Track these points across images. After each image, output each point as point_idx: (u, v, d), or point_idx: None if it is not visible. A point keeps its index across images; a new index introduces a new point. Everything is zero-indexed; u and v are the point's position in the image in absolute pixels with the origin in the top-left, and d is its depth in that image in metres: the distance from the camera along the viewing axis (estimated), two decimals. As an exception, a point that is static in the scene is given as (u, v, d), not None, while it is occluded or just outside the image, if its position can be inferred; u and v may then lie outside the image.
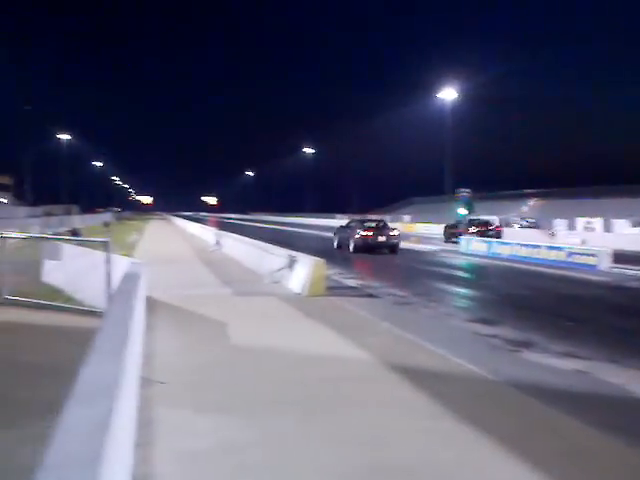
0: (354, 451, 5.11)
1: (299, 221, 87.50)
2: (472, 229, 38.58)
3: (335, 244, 32.31)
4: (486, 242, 29.12)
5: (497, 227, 41.09)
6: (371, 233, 29.46)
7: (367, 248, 28.91)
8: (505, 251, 27.16)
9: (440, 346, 9.03)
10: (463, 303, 15.06)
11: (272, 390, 6.82)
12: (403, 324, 10.76)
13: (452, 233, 39.85)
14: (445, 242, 39.21)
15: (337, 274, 18.95)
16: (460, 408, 6.20)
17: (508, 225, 50.81)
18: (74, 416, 2.88)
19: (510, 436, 5.48)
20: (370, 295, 15.12)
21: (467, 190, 46.80)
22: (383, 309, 12.86)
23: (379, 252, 29.13)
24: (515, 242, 27.42)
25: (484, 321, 11.84)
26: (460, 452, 5.17)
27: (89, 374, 3.60)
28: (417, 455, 5.09)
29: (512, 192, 73.43)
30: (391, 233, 30.05)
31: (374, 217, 43.19)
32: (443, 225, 45.81)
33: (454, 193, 51.42)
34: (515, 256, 26.08)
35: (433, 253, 30.52)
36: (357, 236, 29.33)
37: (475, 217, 42.55)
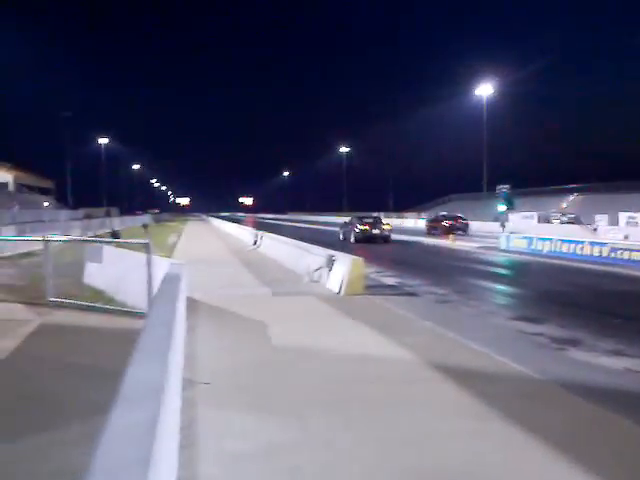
0: (398, 453, 5.03)
1: (333, 220, 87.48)
2: (445, 223, 45.88)
3: (341, 237, 38.50)
4: (526, 238, 28.62)
5: (465, 222, 47.79)
6: (367, 227, 35.99)
7: (365, 239, 34.91)
8: (545, 247, 26.67)
9: (483, 345, 8.88)
10: (505, 301, 14.82)
11: (314, 390, 6.77)
12: (444, 322, 10.62)
13: (431, 227, 47.61)
14: (427, 235, 44.49)
15: (375, 272, 18.86)
16: (506, 408, 6.07)
17: (548, 221, 49.95)
18: (121, 418, 2.86)
19: (559, 437, 5.34)
20: (410, 294, 14.98)
21: (506, 186, 46.28)
22: (423, 307, 12.72)
23: (376, 242, 34.74)
24: (556, 238, 26.87)
25: (528, 319, 11.62)
26: (507, 454, 5.05)
27: (134, 376, 3.59)
28: (463, 458, 4.98)
29: (552, 187, 72.19)
30: (384, 227, 36.76)
31: (373, 214, 51.70)
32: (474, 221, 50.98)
33: (494, 190, 50.97)
34: (556, 252, 25.57)
35: (471, 251, 30.13)
36: (357, 230, 35.83)
37: (447, 213, 51.40)
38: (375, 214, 53.83)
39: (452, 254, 28.58)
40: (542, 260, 24.50)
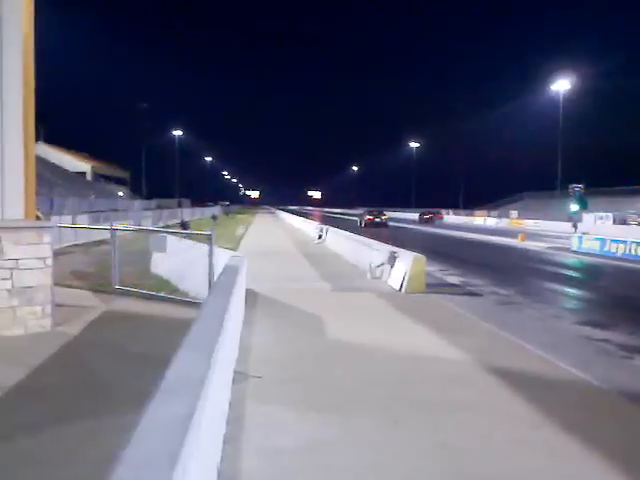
0: (443, 457, 4.91)
1: (398, 215, 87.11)
2: (426, 216, 70.27)
3: (358, 223, 54.39)
4: (599, 240, 27.61)
5: (440, 215, 64.33)
6: (372, 217, 53.70)
7: (371, 225, 51.55)
8: (620, 250, 25.65)
9: (544, 349, 8.60)
10: (572, 304, 14.35)
11: (363, 388, 6.71)
12: (505, 325, 10.35)
13: (424, 219, 69.19)
14: (419, 223, 62.04)
15: (439, 271, 18.60)
16: (563, 417, 5.85)
17: (624, 222, 48.03)
18: (156, 411, 2.88)
19: (617, 450, 5.09)
20: (472, 293, 14.69)
21: (580, 185, 44.88)
22: (485, 308, 12.44)
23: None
24: (631, 240, 25.80)
25: (595, 324, 11.19)
26: (560, 465, 4.85)
27: (177, 369, 3.62)
28: (512, 467, 4.81)
29: (630, 187, 69.33)
30: (383, 217, 54.36)
31: (377, 209, 65.13)
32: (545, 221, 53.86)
33: (567, 188, 49.48)
34: (630, 255, 24.56)
35: (540, 251, 29.32)
36: (365, 218, 53.60)
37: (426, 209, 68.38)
38: (377, 208, 68.12)
39: (520, 254, 27.89)
40: (615, 263, 23.57)
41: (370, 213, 55.08)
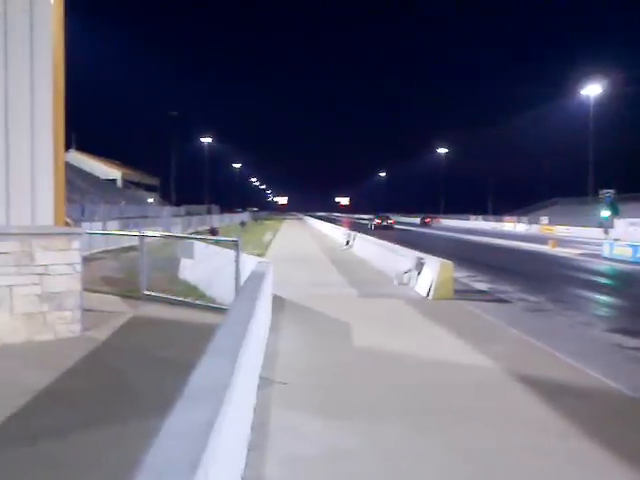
0: (467, 467, 4.85)
1: (412, 220, 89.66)
2: (426, 220, 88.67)
3: (369, 226, 63.60)
4: (632, 246, 27.12)
5: (437, 219, 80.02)
6: (380, 220, 65.09)
7: (379, 227, 61.70)
8: (653, 256, 25.19)
9: (574, 357, 8.46)
10: (604, 312, 14.09)
11: (388, 396, 6.66)
12: (534, 332, 10.21)
13: (424, 222, 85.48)
14: (420, 226, 75.27)
15: (466, 277, 18.42)
16: (593, 427, 5.74)
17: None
18: (179, 418, 2.88)
19: (648, 462, 4.98)
20: (501, 300, 14.53)
21: (611, 191, 44.18)
22: (513, 315, 12.28)
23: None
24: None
25: (627, 332, 10.97)
26: (588, 477, 4.76)
27: (201, 374, 3.62)
28: (538, 476, 4.74)
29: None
30: (389, 221, 65.89)
31: (385, 214, 75.07)
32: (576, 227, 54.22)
33: (598, 194, 48.79)
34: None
35: (571, 257, 28.91)
36: (375, 222, 64.81)
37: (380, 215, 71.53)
38: (384, 214, 75.20)
39: (551, 260, 27.53)
40: (648, 270, 23.15)
41: (378, 217, 67.54)
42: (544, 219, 68.94)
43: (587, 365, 8.04)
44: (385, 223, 64.23)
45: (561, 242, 37.51)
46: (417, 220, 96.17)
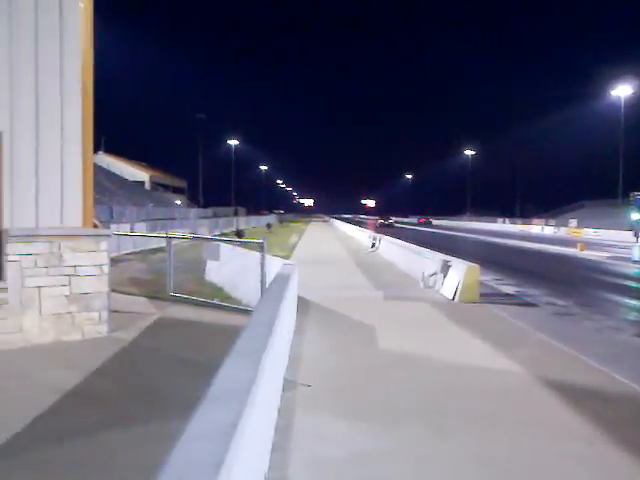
0: (491, 472, 4.81)
1: (451, 224, 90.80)
2: (421, 220, 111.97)
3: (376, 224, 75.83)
4: (663, 250, 26.63)
5: (430, 219, 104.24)
6: (383, 220, 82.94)
7: (381, 226, 74.68)
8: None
9: (602, 362, 8.33)
10: (633, 316, 13.86)
11: (413, 399, 6.63)
12: (561, 336, 10.08)
13: (419, 222, 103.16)
14: (417, 225, 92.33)
15: (493, 282, 18.26)
16: (620, 433, 5.65)
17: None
18: (203, 417, 2.90)
19: (678, 469, 4.89)
20: (528, 304, 14.38)
21: (642, 193, 43.47)
22: (540, 319, 12.15)
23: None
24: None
25: (655, 337, 10.80)
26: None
27: (224, 376, 3.65)
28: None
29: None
30: (390, 221, 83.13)
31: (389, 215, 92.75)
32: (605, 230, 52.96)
33: (628, 196, 48.08)
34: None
35: (600, 260, 28.50)
36: (379, 222, 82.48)
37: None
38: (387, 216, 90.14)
39: (579, 264, 27.18)
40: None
41: (381, 218, 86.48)
42: (572, 222, 68.13)
43: (615, 370, 7.92)
44: (386, 222, 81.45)
45: (590, 245, 37.00)
46: (442, 222, 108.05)
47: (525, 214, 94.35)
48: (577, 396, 6.77)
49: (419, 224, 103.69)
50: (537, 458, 5.10)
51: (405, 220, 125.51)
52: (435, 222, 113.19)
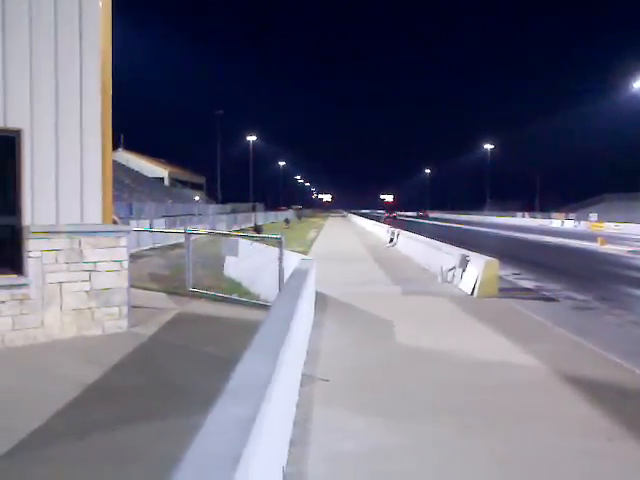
0: (512, 468, 4.79)
1: (468, 219, 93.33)
2: (420, 213, 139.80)
3: (382, 219, 73.63)
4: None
5: (427, 213, 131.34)
6: (388, 213, 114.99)
7: (386, 219, 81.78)
8: None
9: (623, 357, 8.26)
10: (655, 310, 13.71)
11: (431, 395, 6.62)
12: (581, 331, 10.01)
13: (419, 215, 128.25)
14: (417, 217, 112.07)
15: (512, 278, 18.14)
16: (638, 428, 5.59)
17: None
18: (221, 412, 2.92)
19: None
20: (547, 298, 14.28)
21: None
22: (560, 313, 12.06)
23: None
24: None
25: (678, 332, 10.68)
26: None
27: (242, 370, 3.67)
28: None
29: None
30: (394, 214, 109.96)
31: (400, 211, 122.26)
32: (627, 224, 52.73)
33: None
34: None
35: (621, 255, 28.20)
36: (384, 215, 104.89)
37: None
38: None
39: (600, 258, 26.92)
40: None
41: (387, 212, 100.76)
42: (593, 216, 67.53)
43: (636, 365, 7.84)
44: (391, 216, 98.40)
45: (610, 239, 36.65)
46: (461, 217, 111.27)
47: (545, 208, 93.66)
48: (597, 391, 6.70)
49: (419, 217, 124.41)
50: (556, 454, 5.06)
51: (408, 214, 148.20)
52: (446, 216, 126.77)
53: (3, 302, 8.54)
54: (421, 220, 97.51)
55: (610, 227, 55.48)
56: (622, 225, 53.96)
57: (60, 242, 8.98)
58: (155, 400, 6.39)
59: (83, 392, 6.54)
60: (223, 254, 15.02)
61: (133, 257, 11.63)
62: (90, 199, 9.27)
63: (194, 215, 45.18)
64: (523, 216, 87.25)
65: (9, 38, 8.53)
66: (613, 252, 29.52)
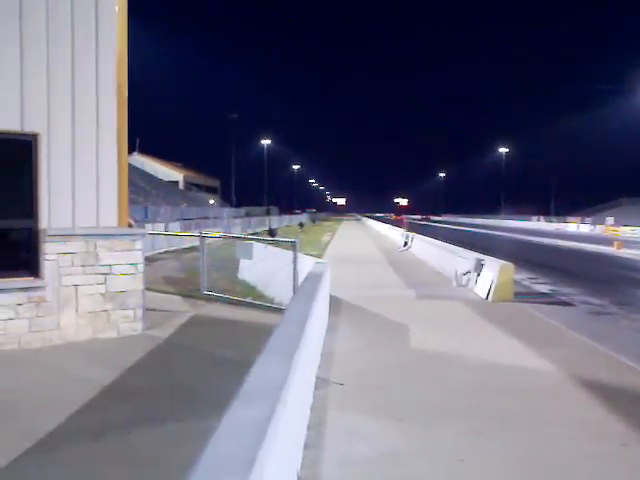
0: (524, 473, 4.76)
1: (484, 222, 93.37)
2: (423, 216, 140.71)
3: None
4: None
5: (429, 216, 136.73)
6: (396, 216, 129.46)
7: (395, 222, 74.86)
8: None
9: (639, 362, 8.19)
10: (672, 315, 13.57)
11: (445, 399, 6.59)
12: (597, 336, 9.92)
13: (422, 218, 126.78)
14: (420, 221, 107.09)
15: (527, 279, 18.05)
16: (656, 434, 5.54)
17: None
18: (236, 415, 2.93)
19: None
20: (563, 303, 14.18)
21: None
22: (576, 318, 11.97)
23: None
24: None
25: (697, 337, 10.56)
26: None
27: (257, 373, 3.67)
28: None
29: None
30: (402, 217, 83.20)
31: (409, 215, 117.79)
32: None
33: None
34: None
35: (637, 259, 27.94)
36: (393, 218, 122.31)
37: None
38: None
39: (615, 262, 26.70)
40: None
41: (396, 216, 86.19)
42: (609, 220, 66.97)
43: (653, 371, 7.77)
44: (399, 218, 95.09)
45: (627, 243, 36.34)
46: (476, 221, 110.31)
47: (559, 212, 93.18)
48: (612, 396, 6.65)
49: (423, 220, 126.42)
50: (570, 458, 5.03)
51: (414, 217, 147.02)
52: (461, 219, 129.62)
53: (20, 304, 8.60)
54: (433, 224, 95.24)
55: (626, 231, 54.98)
56: (638, 229, 53.45)
57: (76, 245, 9.04)
58: (170, 402, 6.41)
59: (98, 394, 6.57)
60: (237, 257, 15.05)
61: (148, 260, 11.71)
62: (106, 202, 9.33)
63: (209, 219, 45.30)
64: (538, 220, 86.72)
65: (26, 46, 8.60)
66: (630, 256, 29.26)
